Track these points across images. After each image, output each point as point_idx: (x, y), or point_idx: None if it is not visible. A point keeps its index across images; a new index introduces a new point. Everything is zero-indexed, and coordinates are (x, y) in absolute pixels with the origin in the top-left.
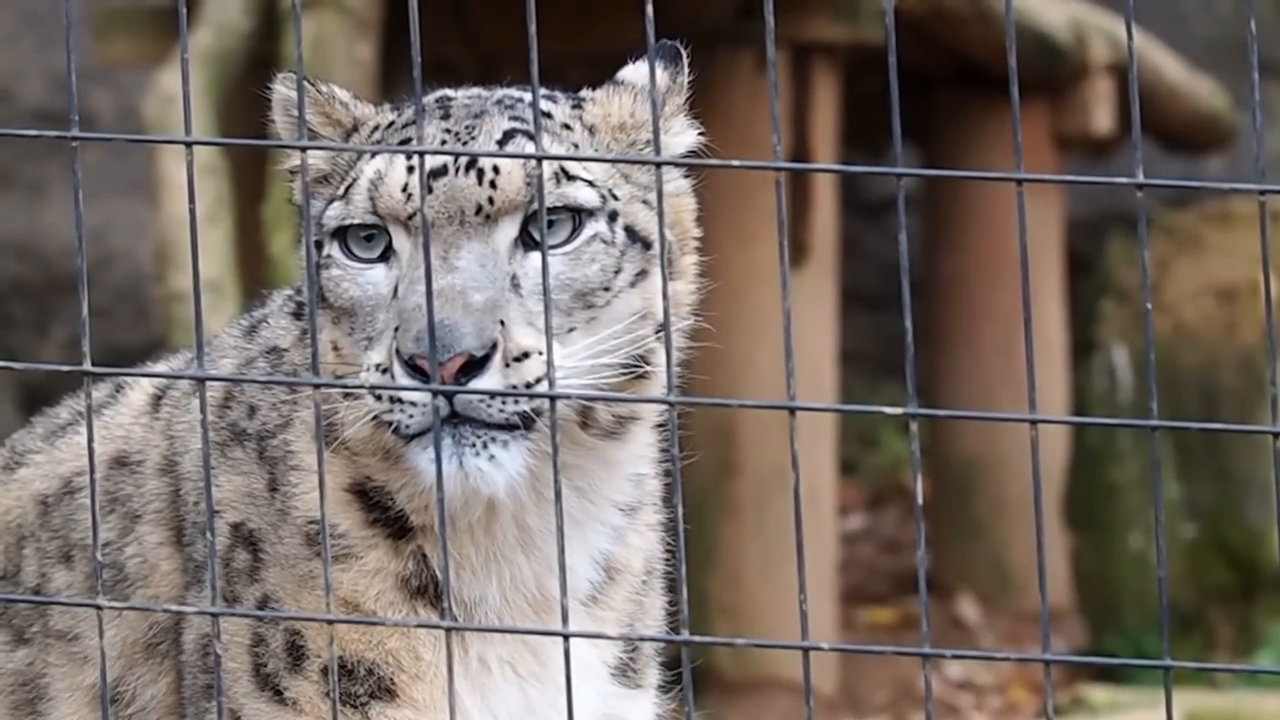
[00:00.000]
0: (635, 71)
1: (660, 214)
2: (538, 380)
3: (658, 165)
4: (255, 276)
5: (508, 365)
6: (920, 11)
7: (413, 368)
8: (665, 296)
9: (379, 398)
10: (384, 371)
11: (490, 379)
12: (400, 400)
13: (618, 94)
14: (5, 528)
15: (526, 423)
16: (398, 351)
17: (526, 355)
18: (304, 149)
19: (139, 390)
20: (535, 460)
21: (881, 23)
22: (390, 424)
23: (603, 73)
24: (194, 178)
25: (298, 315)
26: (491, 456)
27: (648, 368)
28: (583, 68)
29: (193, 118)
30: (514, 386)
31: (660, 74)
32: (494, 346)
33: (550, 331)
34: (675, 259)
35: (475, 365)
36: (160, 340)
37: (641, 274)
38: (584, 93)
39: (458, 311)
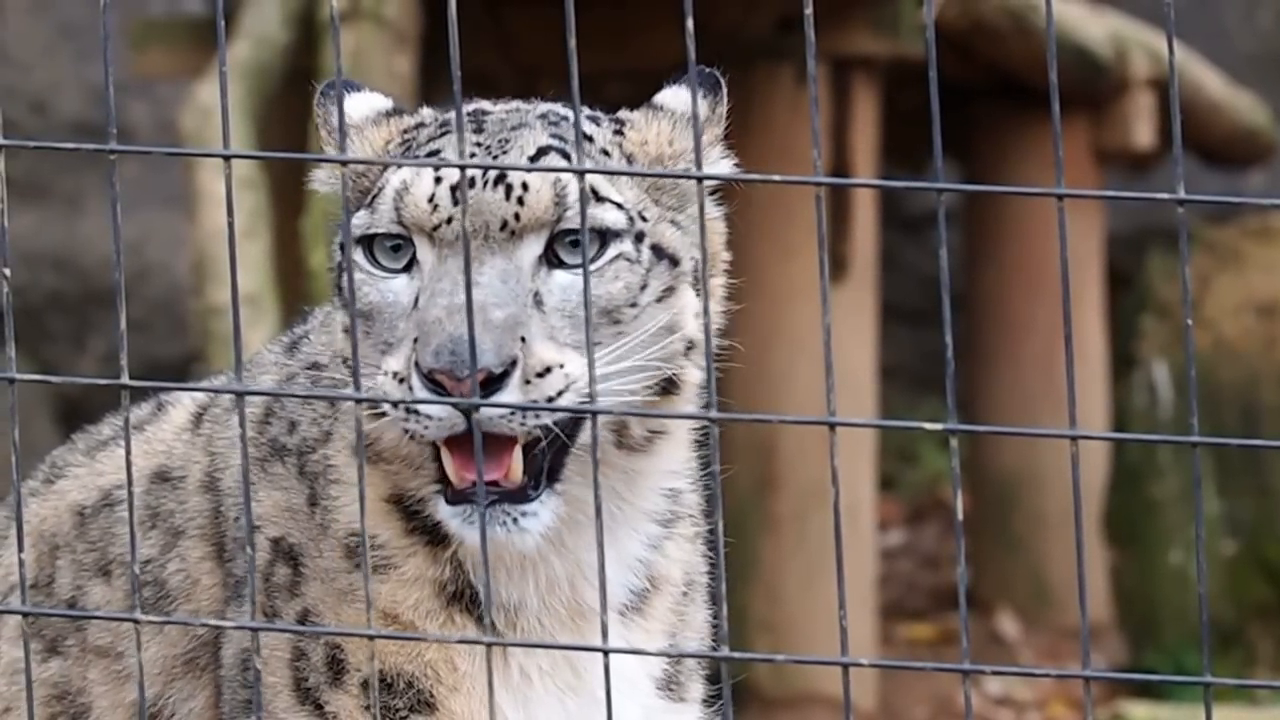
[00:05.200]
0: (674, 96)
1: (702, 228)
2: (559, 395)
3: (699, 180)
4: (295, 290)
5: (528, 382)
6: (960, 26)
7: (431, 382)
8: (706, 313)
9: (395, 406)
10: (401, 381)
11: (508, 396)
12: (416, 412)
13: (656, 120)
14: (39, 535)
15: (555, 455)
16: (416, 364)
17: (548, 370)
18: (344, 163)
19: (180, 408)
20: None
21: (921, 37)
22: (408, 432)
23: (643, 87)
24: (232, 191)
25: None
26: (522, 529)
27: (678, 379)
28: (622, 82)
29: (231, 130)
30: (534, 400)
31: (699, 102)
32: (513, 363)
33: (591, 346)
34: (697, 280)
35: (494, 382)
36: (197, 354)
37: (669, 290)
38: (623, 114)
39: (477, 327)
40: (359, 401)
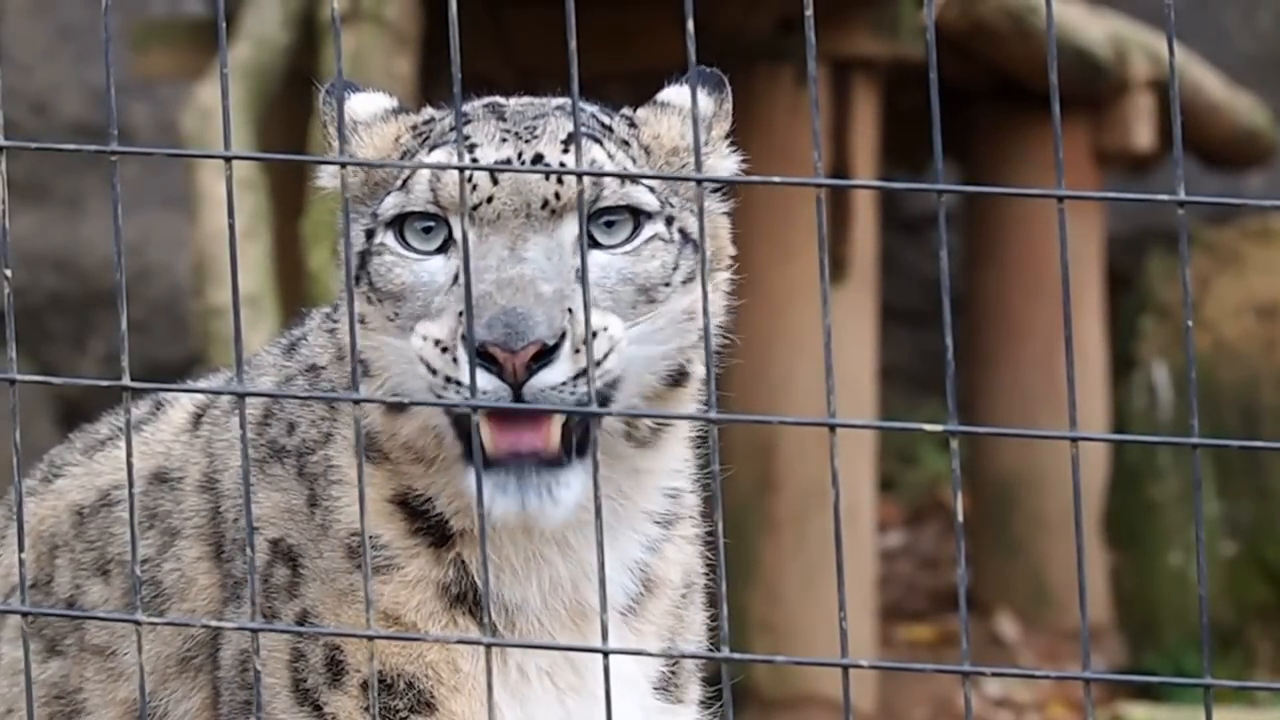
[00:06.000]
0: (678, 94)
1: (701, 229)
2: (606, 355)
3: (698, 182)
4: (295, 291)
5: (577, 351)
6: (960, 27)
7: (482, 355)
8: (706, 314)
9: (435, 373)
10: (444, 350)
11: (561, 366)
12: (459, 383)
13: (666, 116)
14: (38, 536)
15: (583, 430)
16: (464, 338)
17: (594, 335)
18: (344, 164)
19: (179, 409)
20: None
21: (921, 38)
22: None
23: (643, 89)
24: (233, 192)
25: (334, 333)
26: (556, 499)
27: (688, 370)
28: (623, 84)
29: (231, 132)
30: (584, 369)
31: (706, 100)
32: (563, 336)
33: (591, 346)
34: (710, 272)
35: (546, 354)
36: (198, 355)
37: (692, 276)
38: (627, 111)
39: (530, 300)
40: (357, 403)
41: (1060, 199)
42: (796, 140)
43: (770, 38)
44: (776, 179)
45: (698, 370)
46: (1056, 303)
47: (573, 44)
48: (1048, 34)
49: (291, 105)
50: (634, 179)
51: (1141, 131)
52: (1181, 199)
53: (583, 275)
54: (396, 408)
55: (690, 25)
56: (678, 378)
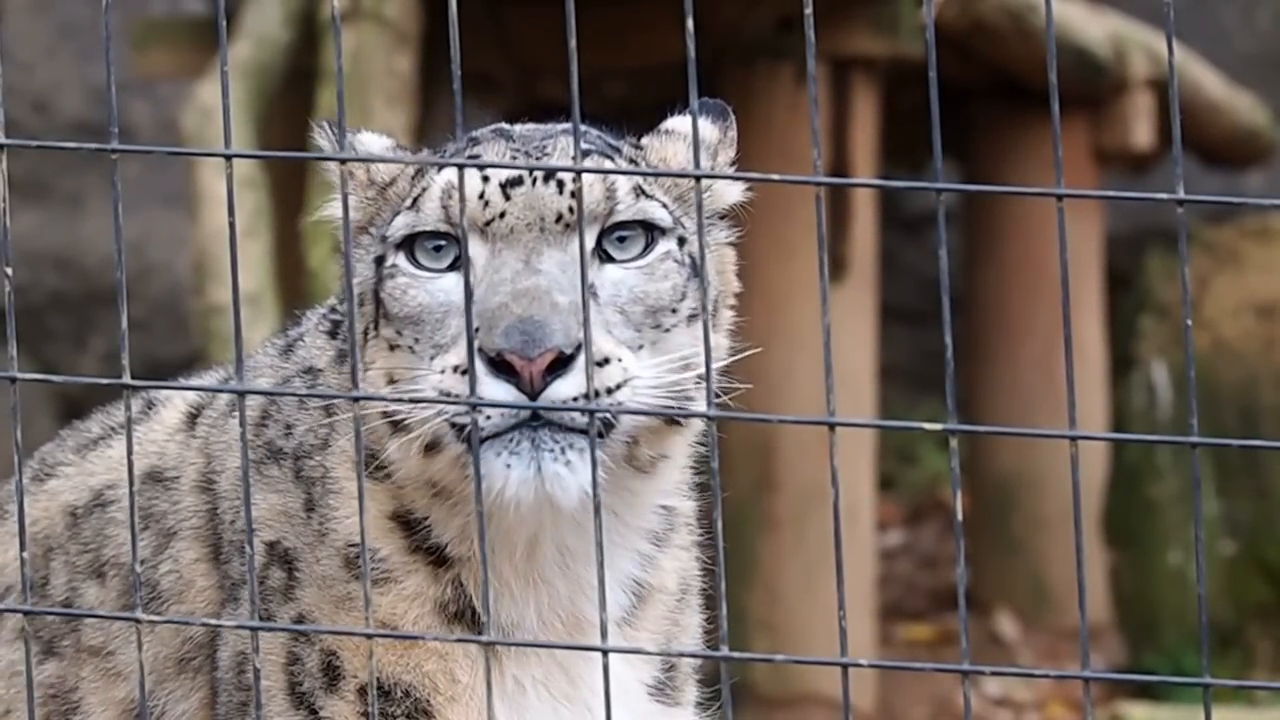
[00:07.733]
0: (682, 122)
1: (700, 224)
2: (618, 386)
3: (697, 179)
4: (295, 289)
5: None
6: (960, 26)
7: (499, 365)
8: (705, 308)
9: (466, 400)
10: (464, 374)
11: (574, 379)
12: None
13: (671, 142)
14: (31, 538)
15: (605, 428)
16: (481, 349)
17: (606, 361)
18: (344, 161)
19: (172, 408)
20: (604, 474)
21: (921, 37)
22: (460, 426)
23: (641, 85)
24: (233, 191)
25: (333, 334)
26: (569, 462)
27: (689, 409)
28: (622, 80)
29: (232, 130)
30: (596, 391)
31: (710, 127)
32: (578, 347)
33: (590, 344)
34: (716, 309)
35: (561, 363)
36: (198, 353)
37: (697, 313)
38: (629, 139)
39: (545, 309)
40: (356, 400)
41: (1060, 198)
42: (796, 139)
43: (770, 36)
44: (776, 177)
45: (696, 420)
46: (1056, 302)
47: (572, 42)
48: (1047, 33)
49: (292, 103)
50: (646, 195)
51: (1141, 131)
52: (1181, 198)
53: (583, 279)
54: (432, 449)
55: (690, 23)
56: (673, 419)
